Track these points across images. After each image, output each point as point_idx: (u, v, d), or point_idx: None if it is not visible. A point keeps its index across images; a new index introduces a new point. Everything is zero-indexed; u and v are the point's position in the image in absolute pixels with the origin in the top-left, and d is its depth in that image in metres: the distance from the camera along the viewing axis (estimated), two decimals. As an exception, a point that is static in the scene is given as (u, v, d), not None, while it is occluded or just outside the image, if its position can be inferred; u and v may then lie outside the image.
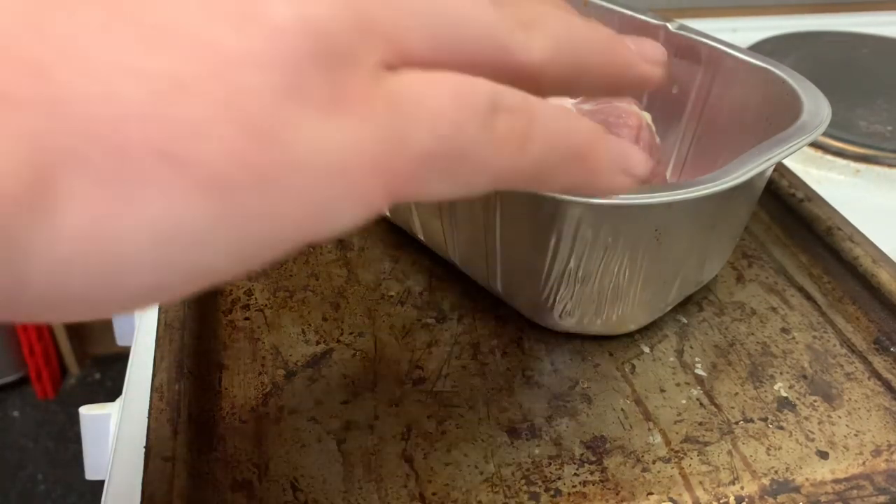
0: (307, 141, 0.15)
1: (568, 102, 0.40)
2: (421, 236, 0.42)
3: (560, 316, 0.36)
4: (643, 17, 0.43)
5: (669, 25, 0.42)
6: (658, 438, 0.33)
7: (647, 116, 0.41)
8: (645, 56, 0.21)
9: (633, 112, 0.39)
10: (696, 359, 0.37)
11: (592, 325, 0.37)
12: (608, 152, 0.20)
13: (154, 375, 0.34)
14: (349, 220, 0.16)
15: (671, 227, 0.32)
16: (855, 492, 0.31)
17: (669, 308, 0.38)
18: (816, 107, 0.35)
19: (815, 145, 0.56)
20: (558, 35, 0.18)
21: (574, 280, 0.34)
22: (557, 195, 0.29)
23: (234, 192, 0.14)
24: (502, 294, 0.39)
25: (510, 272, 0.37)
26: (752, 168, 0.30)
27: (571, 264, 0.33)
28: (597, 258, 0.33)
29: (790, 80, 0.37)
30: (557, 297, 0.35)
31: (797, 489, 0.31)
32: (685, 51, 0.41)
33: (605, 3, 0.45)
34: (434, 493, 0.31)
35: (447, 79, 0.17)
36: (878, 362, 0.37)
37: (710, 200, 0.30)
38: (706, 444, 0.33)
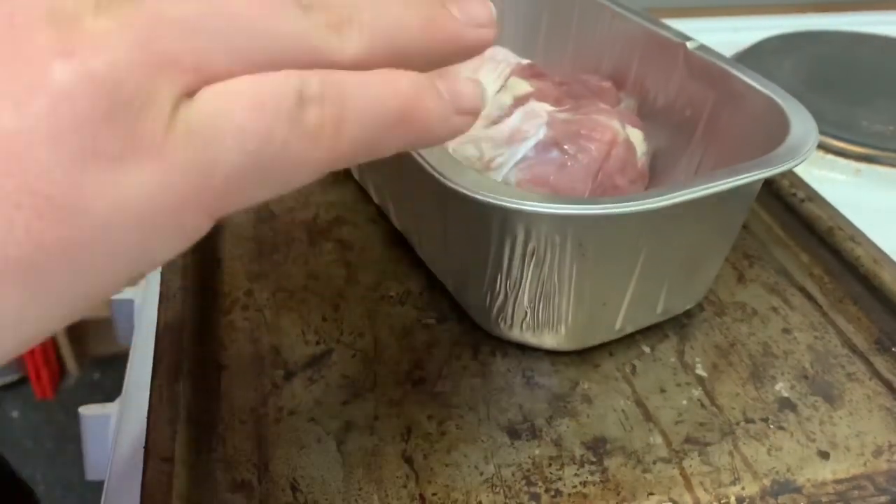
0: (108, 199, 0.14)
1: (546, 109, 0.40)
2: (395, 222, 0.43)
3: (498, 323, 0.36)
4: (664, 34, 0.42)
5: (688, 45, 0.41)
6: (659, 439, 0.33)
7: (636, 134, 0.40)
8: (473, 20, 0.20)
9: (609, 126, 0.38)
10: (697, 359, 0.37)
11: (532, 338, 0.36)
12: (435, 100, 0.19)
13: (154, 376, 0.34)
14: (173, 250, 0.16)
15: (596, 242, 0.32)
16: (856, 492, 0.31)
17: (624, 334, 0.37)
18: (794, 144, 0.33)
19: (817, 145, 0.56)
20: (373, 28, 0.18)
21: (505, 285, 0.34)
22: (483, 198, 0.29)
23: (39, 273, 0.14)
24: (452, 291, 0.39)
25: (456, 272, 0.37)
26: (677, 195, 0.29)
27: (504, 266, 0.33)
28: (525, 264, 0.32)
29: (787, 111, 0.35)
30: (496, 303, 0.35)
31: (798, 490, 0.31)
32: (700, 71, 0.40)
33: (629, 14, 0.45)
34: (434, 494, 0.31)
35: (246, 86, 0.16)
36: (880, 363, 0.37)
37: (636, 219, 0.29)
38: (707, 444, 0.33)
